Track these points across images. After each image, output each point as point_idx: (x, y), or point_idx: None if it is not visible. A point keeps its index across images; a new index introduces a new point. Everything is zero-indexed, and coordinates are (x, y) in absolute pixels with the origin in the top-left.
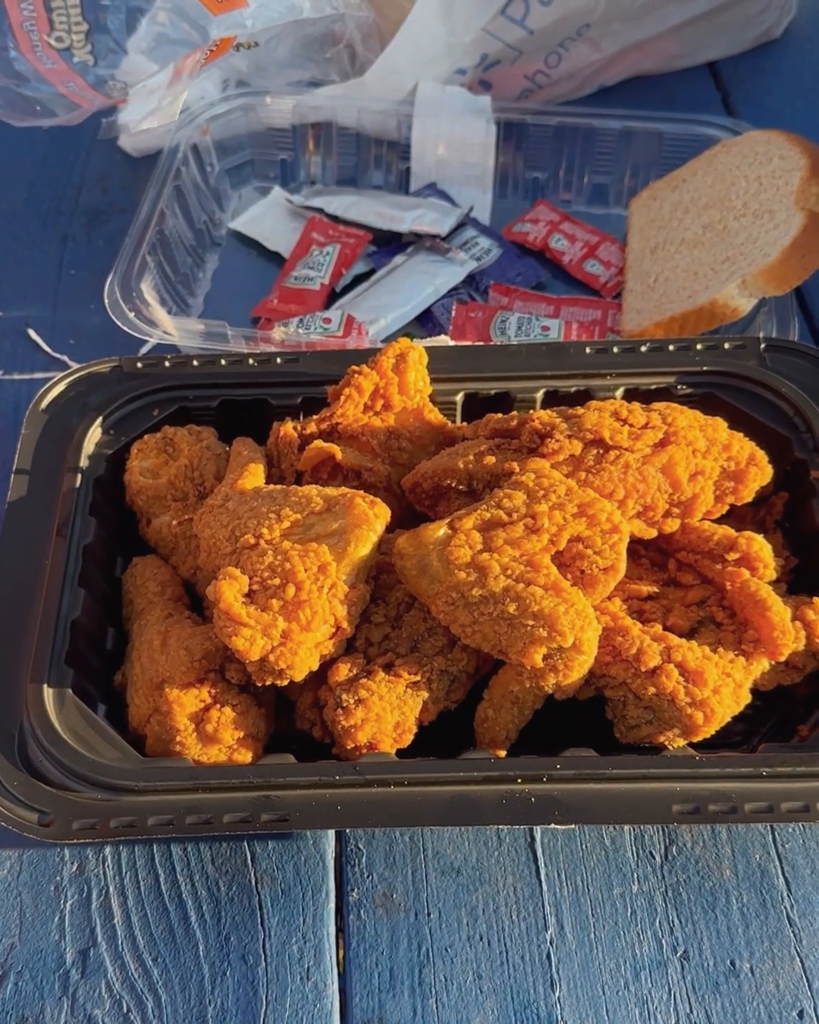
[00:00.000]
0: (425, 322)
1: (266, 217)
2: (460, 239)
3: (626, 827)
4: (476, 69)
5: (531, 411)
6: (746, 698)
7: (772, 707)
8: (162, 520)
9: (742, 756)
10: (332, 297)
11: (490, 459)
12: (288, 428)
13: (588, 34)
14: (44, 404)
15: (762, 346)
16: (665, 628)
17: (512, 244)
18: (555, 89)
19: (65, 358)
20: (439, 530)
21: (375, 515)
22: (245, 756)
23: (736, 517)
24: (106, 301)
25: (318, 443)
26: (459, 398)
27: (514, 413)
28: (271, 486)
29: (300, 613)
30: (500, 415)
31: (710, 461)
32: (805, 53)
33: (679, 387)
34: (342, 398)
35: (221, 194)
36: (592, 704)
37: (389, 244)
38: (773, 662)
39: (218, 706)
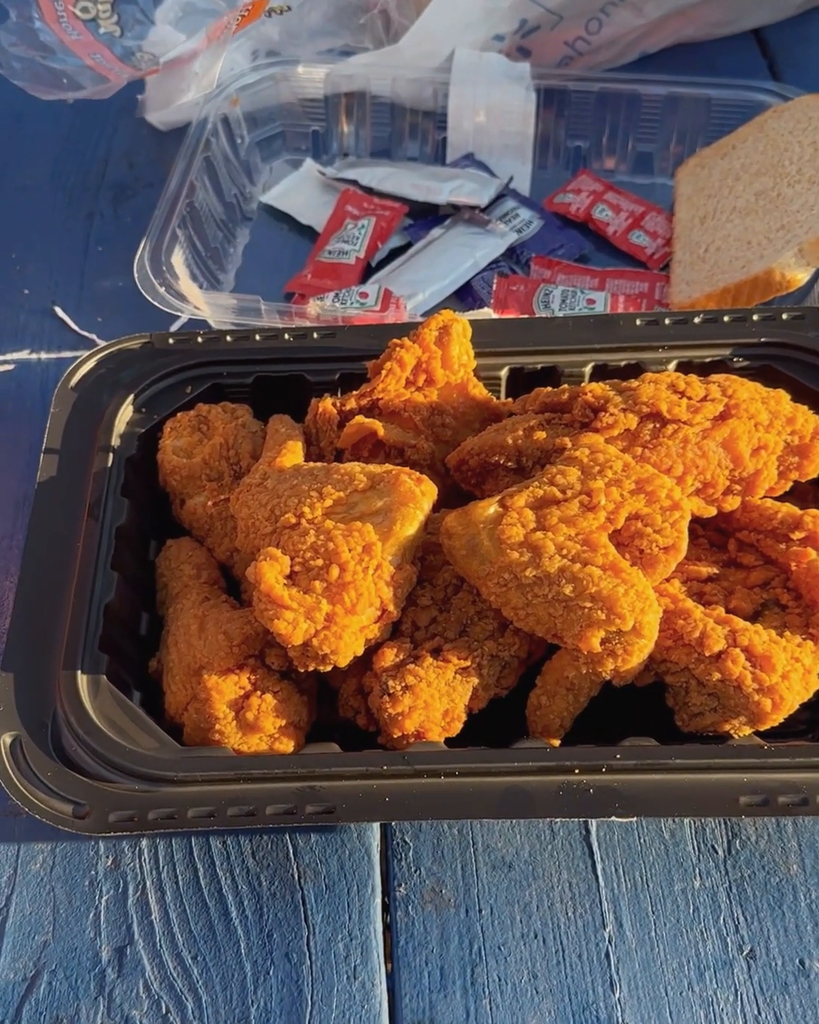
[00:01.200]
0: (465, 296)
1: (298, 190)
2: (500, 211)
3: (686, 820)
4: (514, 35)
5: (582, 384)
6: (815, 685)
7: None
8: (196, 501)
9: (813, 745)
10: (368, 272)
11: (540, 434)
12: (327, 404)
13: None
14: (73, 382)
15: None
16: (727, 611)
17: (554, 215)
18: (596, 56)
19: (93, 336)
20: (490, 508)
21: (422, 493)
22: (287, 745)
23: (798, 495)
24: (136, 275)
25: (359, 419)
26: (504, 373)
27: (565, 387)
28: (311, 464)
29: (344, 595)
30: (549, 389)
31: (773, 435)
32: None
33: (735, 359)
34: (383, 373)
35: (252, 167)
36: (651, 691)
37: (426, 217)
38: None
39: (258, 693)
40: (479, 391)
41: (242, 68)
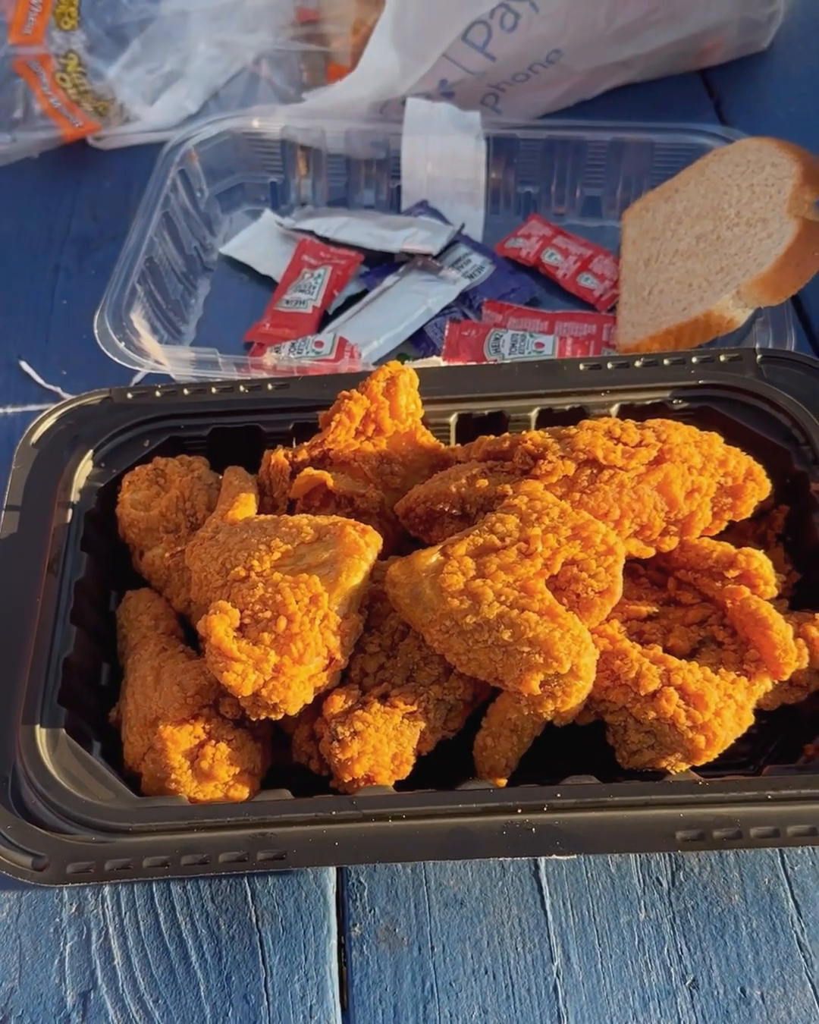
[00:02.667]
0: (419, 342)
1: (257, 241)
2: (452, 257)
3: (632, 854)
4: (434, 93)
5: (523, 432)
6: (749, 720)
7: (778, 726)
8: (154, 552)
9: (746, 779)
10: (325, 319)
11: (483, 482)
12: (279, 456)
13: (559, 60)
14: (34, 438)
15: (759, 357)
16: (666, 649)
17: (505, 260)
18: (524, 92)
19: (58, 389)
20: (432, 557)
21: (366, 543)
22: (242, 792)
23: (737, 532)
24: (96, 333)
25: (309, 470)
26: (453, 420)
27: (506, 435)
28: (262, 516)
29: (292, 646)
30: (492, 437)
31: (706, 477)
32: (795, 57)
33: (675, 402)
34: (333, 424)
35: (211, 219)
36: (593, 729)
37: (381, 264)
38: (776, 681)
39: (213, 742)
40: (427, 439)
41: (191, 113)
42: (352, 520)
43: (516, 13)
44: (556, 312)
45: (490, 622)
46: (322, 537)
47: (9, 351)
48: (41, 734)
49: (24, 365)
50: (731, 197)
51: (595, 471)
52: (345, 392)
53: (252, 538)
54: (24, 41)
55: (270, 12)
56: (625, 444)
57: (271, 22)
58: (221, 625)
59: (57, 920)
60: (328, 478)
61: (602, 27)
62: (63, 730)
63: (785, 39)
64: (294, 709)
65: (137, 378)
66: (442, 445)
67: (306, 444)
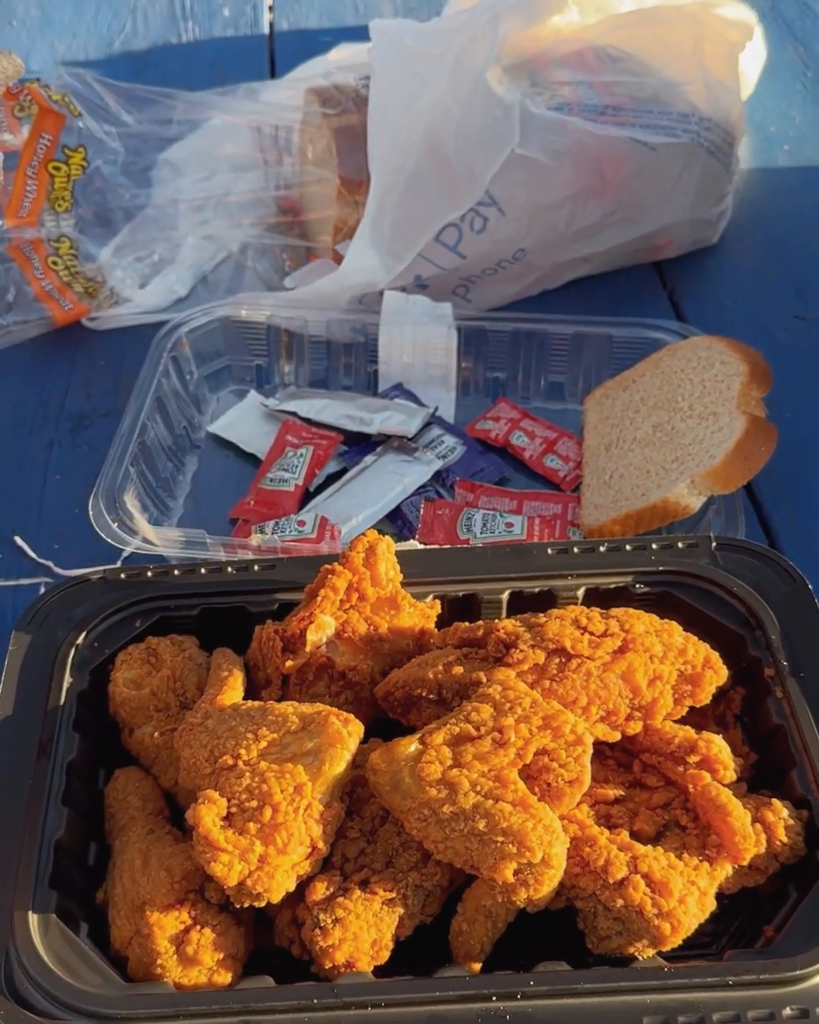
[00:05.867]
0: (395, 519)
1: (243, 421)
2: (426, 438)
3: None
4: (410, 287)
5: (496, 620)
6: (712, 905)
7: (739, 906)
8: (144, 730)
9: (709, 965)
10: (306, 497)
11: (458, 669)
12: (270, 631)
13: (524, 257)
14: (29, 621)
15: (713, 544)
16: (632, 833)
17: (476, 441)
18: (492, 284)
19: (50, 564)
20: (410, 746)
21: (348, 733)
22: (225, 977)
23: (699, 712)
24: (91, 515)
25: (312, 648)
26: (429, 601)
27: (480, 623)
28: (249, 703)
29: (276, 836)
30: (467, 624)
31: (667, 666)
32: (743, 251)
33: (637, 586)
34: (319, 598)
35: (200, 398)
36: (564, 914)
37: (360, 443)
38: (737, 866)
39: (198, 927)
40: (407, 602)
41: (189, 313)
42: (335, 709)
43: (484, 217)
44: (524, 492)
45: (466, 812)
46: (307, 726)
47: (3, 525)
48: (33, 919)
49: (19, 540)
50: (684, 391)
51: (564, 660)
52: (327, 566)
53: (239, 726)
54: (20, 224)
55: (254, 206)
56: (591, 634)
57: (253, 214)
58: (209, 815)
59: None
60: (335, 659)
61: (563, 229)
62: (54, 914)
63: (734, 234)
64: (277, 898)
65: (126, 553)
66: (418, 604)
67: (294, 617)
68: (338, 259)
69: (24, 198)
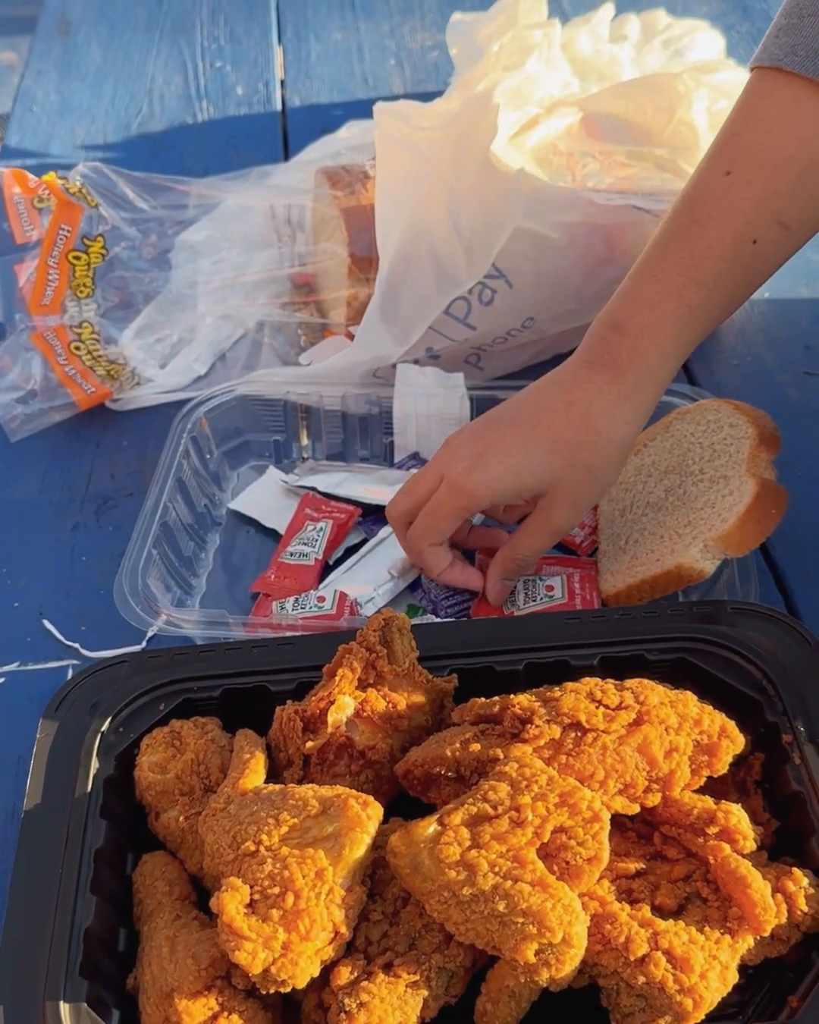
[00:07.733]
0: (414, 590)
1: (263, 496)
2: None
3: None
4: (422, 359)
5: (511, 695)
6: (734, 978)
7: (765, 974)
8: (170, 814)
9: None
10: (326, 569)
11: (475, 746)
12: (290, 712)
13: (533, 325)
14: (56, 708)
15: (728, 609)
16: (653, 907)
17: None
18: (503, 352)
19: (77, 646)
20: (429, 827)
21: (368, 816)
22: None
23: (719, 779)
24: (115, 599)
25: (333, 727)
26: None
27: (496, 699)
28: (270, 787)
29: (299, 923)
30: (483, 700)
31: (683, 737)
32: (750, 311)
33: (653, 653)
34: (337, 677)
35: (220, 476)
36: (588, 991)
37: (377, 514)
38: (758, 937)
39: (226, 1014)
40: (424, 677)
41: (207, 393)
42: (354, 792)
43: (493, 290)
44: (544, 557)
45: (485, 893)
46: (327, 810)
47: (32, 608)
48: (65, 1009)
49: (47, 624)
50: (694, 455)
51: (579, 734)
52: (345, 645)
53: (261, 811)
54: (43, 311)
55: (269, 283)
56: (606, 707)
57: (269, 292)
58: (232, 903)
59: None
60: (355, 739)
61: (571, 297)
62: (84, 1004)
63: None
64: (302, 983)
65: (151, 633)
66: (435, 680)
67: (313, 697)
68: (352, 335)
69: (47, 288)
